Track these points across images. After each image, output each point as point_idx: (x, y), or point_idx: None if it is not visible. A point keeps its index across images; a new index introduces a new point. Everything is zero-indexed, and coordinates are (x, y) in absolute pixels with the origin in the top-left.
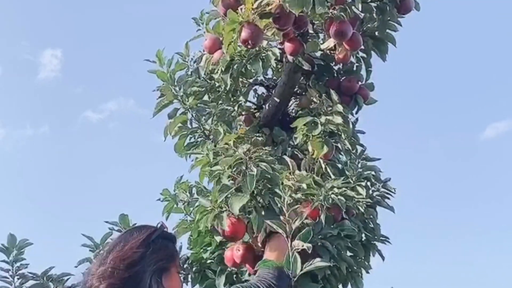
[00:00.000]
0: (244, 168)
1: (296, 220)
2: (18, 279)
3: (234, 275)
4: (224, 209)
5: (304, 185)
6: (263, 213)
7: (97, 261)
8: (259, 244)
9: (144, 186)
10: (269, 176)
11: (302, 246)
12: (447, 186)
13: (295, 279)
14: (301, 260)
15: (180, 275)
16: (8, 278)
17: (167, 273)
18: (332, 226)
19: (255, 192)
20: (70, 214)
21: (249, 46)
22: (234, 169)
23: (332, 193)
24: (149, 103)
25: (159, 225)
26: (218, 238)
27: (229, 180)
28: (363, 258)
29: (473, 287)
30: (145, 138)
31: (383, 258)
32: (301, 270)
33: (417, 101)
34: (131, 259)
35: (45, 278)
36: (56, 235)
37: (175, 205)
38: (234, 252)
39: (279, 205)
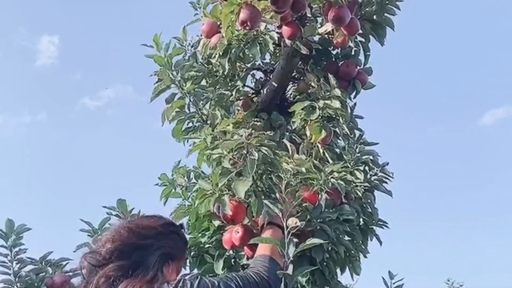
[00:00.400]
0: (245, 152)
1: (293, 201)
2: (16, 263)
3: (232, 260)
4: (225, 192)
5: (304, 169)
6: (262, 197)
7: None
8: (259, 228)
9: (141, 171)
10: (270, 161)
11: (296, 223)
12: (445, 171)
13: (290, 261)
14: (298, 242)
15: (179, 273)
16: (6, 263)
17: (169, 263)
18: (331, 210)
19: (255, 177)
20: (68, 200)
21: (247, 28)
22: (235, 153)
23: (332, 177)
24: (147, 90)
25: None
26: (216, 223)
27: (230, 164)
28: (361, 242)
29: (470, 271)
30: (143, 124)
31: (380, 242)
32: (295, 251)
33: (415, 86)
34: (147, 230)
35: (43, 263)
36: (54, 221)
37: (173, 190)
38: (233, 234)
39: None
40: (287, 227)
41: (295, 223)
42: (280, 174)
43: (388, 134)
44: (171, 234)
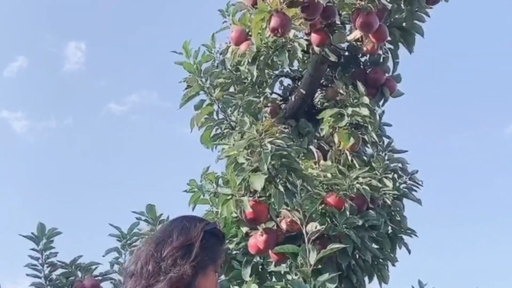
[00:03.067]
0: (259, 148)
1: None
2: (47, 267)
3: (260, 266)
4: (244, 192)
5: (329, 175)
6: (283, 190)
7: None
8: (284, 229)
9: (166, 177)
10: (285, 153)
11: (316, 228)
12: (472, 180)
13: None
14: (321, 246)
15: (217, 275)
16: (37, 266)
17: (204, 272)
18: (356, 216)
19: (273, 173)
20: (95, 205)
21: (278, 35)
22: (249, 150)
23: (357, 183)
24: (172, 96)
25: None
26: (244, 229)
27: (246, 160)
28: (389, 250)
29: (501, 280)
30: (167, 130)
31: (409, 251)
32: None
33: (442, 93)
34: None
35: (73, 267)
36: (83, 226)
37: (201, 196)
38: (257, 237)
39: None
40: (307, 233)
41: (315, 228)
42: (294, 166)
43: (414, 142)
44: (206, 243)
